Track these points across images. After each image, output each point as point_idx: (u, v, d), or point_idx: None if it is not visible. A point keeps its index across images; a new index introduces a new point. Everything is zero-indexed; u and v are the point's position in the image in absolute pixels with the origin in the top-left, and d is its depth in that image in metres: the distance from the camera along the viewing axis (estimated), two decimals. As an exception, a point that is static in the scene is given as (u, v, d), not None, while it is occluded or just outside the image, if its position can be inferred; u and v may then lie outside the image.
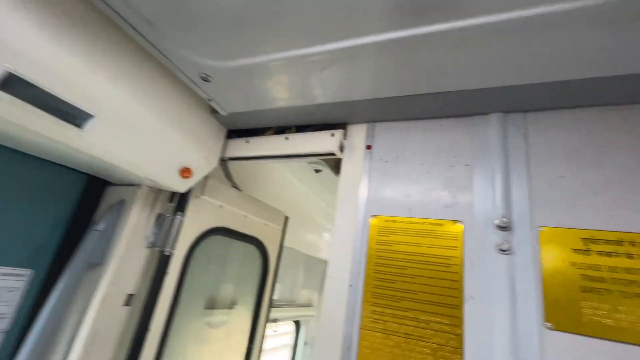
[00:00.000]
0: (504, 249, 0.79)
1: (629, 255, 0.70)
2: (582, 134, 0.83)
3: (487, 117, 0.93)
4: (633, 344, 0.66)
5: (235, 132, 1.31)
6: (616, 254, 0.71)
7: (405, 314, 0.83)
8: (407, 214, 0.92)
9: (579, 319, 0.70)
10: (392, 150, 1.02)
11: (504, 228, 0.80)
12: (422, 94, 0.91)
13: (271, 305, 1.87)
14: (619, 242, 0.72)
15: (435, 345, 0.78)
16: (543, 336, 0.71)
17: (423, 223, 0.89)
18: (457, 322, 0.78)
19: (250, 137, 1.26)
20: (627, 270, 0.69)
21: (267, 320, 1.85)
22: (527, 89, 0.82)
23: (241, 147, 1.28)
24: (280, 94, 1.03)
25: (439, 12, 0.66)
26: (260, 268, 1.81)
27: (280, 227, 1.88)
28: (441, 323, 0.79)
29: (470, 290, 0.79)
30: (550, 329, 0.71)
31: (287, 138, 1.18)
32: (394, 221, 0.93)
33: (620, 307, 0.68)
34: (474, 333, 0.76)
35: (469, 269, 0.81)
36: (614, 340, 0.67)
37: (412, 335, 0.80)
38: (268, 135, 1.24)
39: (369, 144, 1.05)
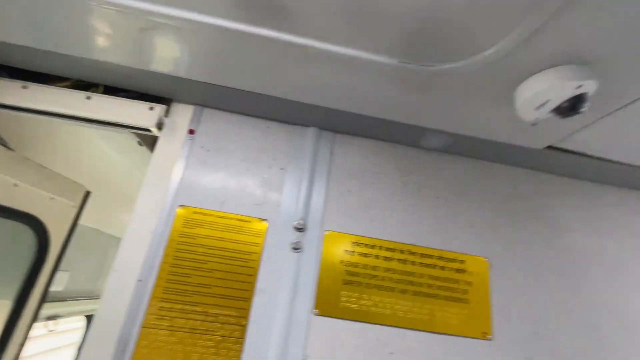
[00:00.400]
0: (296, 247, 0.90)
1: (377, 257, 0.94)
2: (369, 160, 1.04)
3: (307, 129, 1.04)
4: (368, 322, 0.88)
5: (7, 70, 0.95)
6: (369, 255, 0.93)
7: (195, 308, 0.81)
8: (218, 207, 0.91)
9: (337, 305, 0.88)
10: (216, 140, 0.98)
11: (300, 229, 0.92)
12: (253, 92, 0.92)
13: (45, 299, 1.48)
14: (372, 246, 0.94)
15: (219, 338, 0.80)
16: (310, 320, 0.85)
17: (232, 218, 0.90)
18: (244, 313, 0.83)
19: (32, 83, 0.94)
20: (373, 268, 0.92)
21: (36, 318, 1.45)
22: (338, 114, 0.96)
23: (14, 92, 0.93)
24: (83, 39, 0.81)
25: (271, 19, 0.68)
26: (35, 253, 1.40)
27: (74, 204, 1.51)
28: (229, 315, 0.82)
29: (261, 284, 0.86)
30: (316, 314, 0.85)
31: (89, 97, 0.94)
32: (203, 214, 0.90)
33: (364, 296, 0.89)
34: (258, 322, 0.82)
35: (265, 265, 0.88)
36: (357, 321, 0.87)
37: (198, 329, 0.80)
38: (61, 86, 0.96)
39: (192, 128, 0.98)
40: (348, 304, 0.88)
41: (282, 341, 0.81)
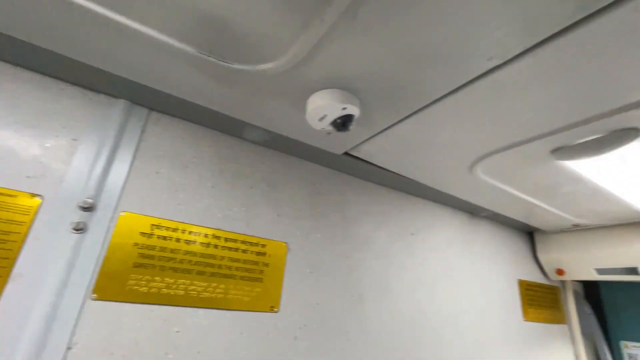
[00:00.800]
0: (78, 228, 0.82)
1: (178, 240, 0.95)
2: (186, 143, 1.03)
3: (116, 100, 0.94)
4: (157, 304, 0.88)
5: None
6: (169, 238, 0.94)
7: None
8: (-34, 176, 0.74)
9: (123, 289, 0.85)
10: (-25, 93, 0.79)
11: (86, 209, 0.83)
12: (43, 48, 0.77)
13: None
14: (175, 229, 0.95)
15: (-57, 333, 0.66)
16: (85, 306, 0.79)
17: (-14, 191, 0.75)
18: (-12, 303, 0.71)
19: None
20: (172, 251, 0.93)
21: None
22: (154, 92, 0.91)
23: None
24: None
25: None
26: None
27: None
28: (-37, 306, 0.68)
29: (20, 269, 0.75)
30: (94, 299, 0.80)
31: None
32: (-63, 182, 0.71)
33: (156, 278, 0.89)
34: (8, 313, 0.72)
35: (30, 247, 0.76)
36: (144, 303, 0.86)
37: None
38: None
39: None
40: (136, 287, 0.86)
41: (42, 331, 0.73)
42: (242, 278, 1.01)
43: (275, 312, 1.05)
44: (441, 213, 1.62)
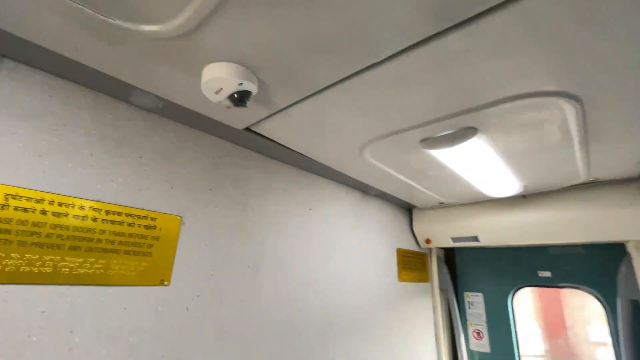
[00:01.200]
0: None
1: (43, 212, 0.84)
2: (55, 102, 0.90)
3: (-53, 38, 0.75)
4: (14, 284, 0.78)
5: None
6: (32, 210, 0.82)
7: None
8: None
9: (-36, 268, 0.72)
10: None
11: None
12: None
13: None
14: (39, 200, 0.83)
15: None
16: None
17: None
18: None
19: None
20: (35, 224, 0.82)
21: None
22: (2, 34, 0.75)
23: None
24: None
25: None
26: None
27: None
28: None
29: None
30: None
31: None
32: None
33: (13, 255, 0.78)
34: None
35: None
36: (-4, 283, 0.75)
37: None
38: None
39: None
40: (-16, 266, 0.74)
41: None
42: (126, 252, 0.96)
43: (166, 285, 1.03)
44: (337, 191, 1.79)
